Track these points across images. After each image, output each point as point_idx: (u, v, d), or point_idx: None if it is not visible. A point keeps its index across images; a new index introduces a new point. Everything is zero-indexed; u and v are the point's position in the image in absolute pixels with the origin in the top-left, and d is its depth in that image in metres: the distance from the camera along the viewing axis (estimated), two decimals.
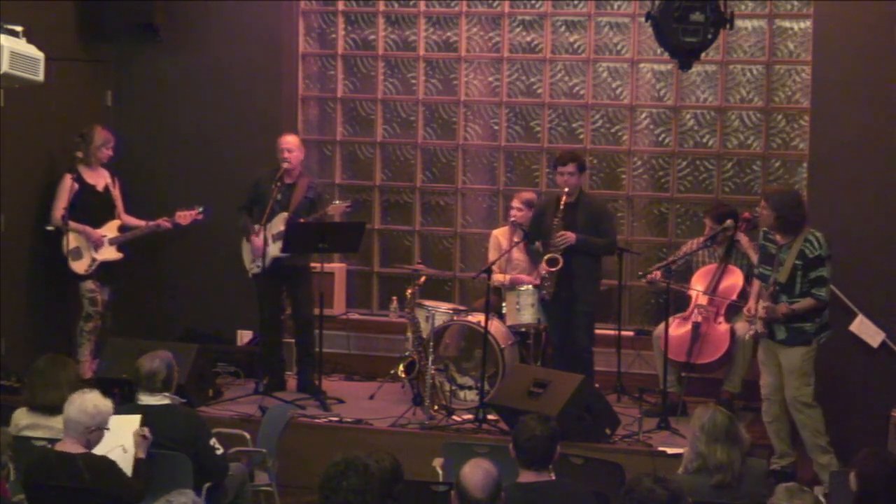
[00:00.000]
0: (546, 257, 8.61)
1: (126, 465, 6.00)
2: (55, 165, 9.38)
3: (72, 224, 9.07)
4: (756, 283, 8.00)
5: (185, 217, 9.32)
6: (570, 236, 8.56)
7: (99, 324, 9.26)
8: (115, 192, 9.40)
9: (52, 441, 6.05)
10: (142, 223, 9.38)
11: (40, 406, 6.57)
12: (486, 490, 4.76)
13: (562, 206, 8.60)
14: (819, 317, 7.73)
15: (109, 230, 9.28)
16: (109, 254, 9.26)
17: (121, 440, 6.08)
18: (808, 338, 7.71)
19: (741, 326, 8.70)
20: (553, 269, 8.56)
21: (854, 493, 5.17)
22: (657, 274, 8.67)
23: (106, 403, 5.94)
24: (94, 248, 9.18)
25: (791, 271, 7.64)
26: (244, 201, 9.11)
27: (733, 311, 8.73)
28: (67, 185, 9.09)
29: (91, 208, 9.21)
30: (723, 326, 8.69)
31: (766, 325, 7.77)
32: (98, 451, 5.92)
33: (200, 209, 9.31)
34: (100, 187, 9.30)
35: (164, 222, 9.34)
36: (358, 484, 4.48)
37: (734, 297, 8.70)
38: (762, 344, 7.91)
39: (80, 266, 9.14)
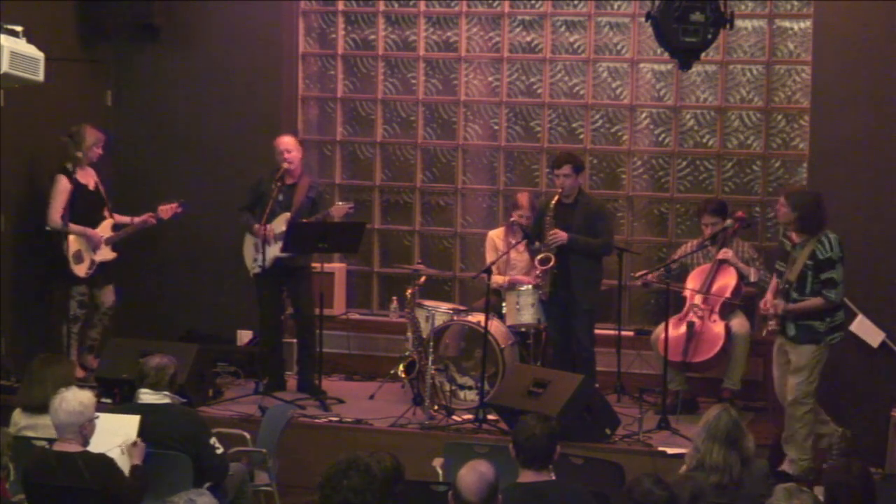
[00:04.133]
0: (538, 257, 8.62)
1: (124, 466, 5.99)
2: (55, 166, 9.37)
3: (72, 226, 9.06)
4: (774, 280, 8.02)
5: (165, 211, 9.30)
6: (562, 235, 8.55)
7: (82, 324, 9.24)
8: (102, 190, 9.38)
9: (51, 441, 6.04)
10: (129, 220, 9.38)
11: (29, 406, 6.57)
12: (480, 494, 4.73)
13: (552, 206, 8.61)
14: (831, 317, 7.72)
15: (105, 230, 9.28)
16: (106, 254, 9.26)
17: (119, 440, 6.08)
18: (817, 336, 7.70)
19: (737, 323, 8.72)
20: (545, 268, 8.56)
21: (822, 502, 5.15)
22: (651, 276, 8.73)
23: (87, 395, 5.94)
24: (93, 250, 9.18)
25: (801, 271, 7.67)
26: (245, 202, 9.11)
27: (728, 308, 8.75)
28: (64, 186, 9.05)
29: (86, 208, 9.18)
30: (718, 324, 8.70)
31: (779, 321, 7.78)
32: (97, 450, 5.92)
33: (180, 202, 9.29)
34: (91, 186, 9.27)
35: (149, 218, 9.33)
36: (359, 483, 4.48)
37: (728, 295, 8.72)
38: (776, 345, 7.91)
39: (81, 269, 9.12)
